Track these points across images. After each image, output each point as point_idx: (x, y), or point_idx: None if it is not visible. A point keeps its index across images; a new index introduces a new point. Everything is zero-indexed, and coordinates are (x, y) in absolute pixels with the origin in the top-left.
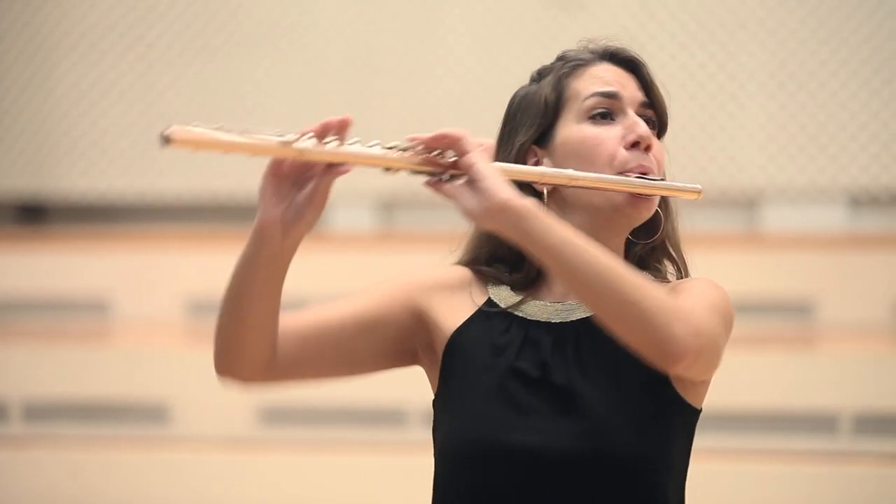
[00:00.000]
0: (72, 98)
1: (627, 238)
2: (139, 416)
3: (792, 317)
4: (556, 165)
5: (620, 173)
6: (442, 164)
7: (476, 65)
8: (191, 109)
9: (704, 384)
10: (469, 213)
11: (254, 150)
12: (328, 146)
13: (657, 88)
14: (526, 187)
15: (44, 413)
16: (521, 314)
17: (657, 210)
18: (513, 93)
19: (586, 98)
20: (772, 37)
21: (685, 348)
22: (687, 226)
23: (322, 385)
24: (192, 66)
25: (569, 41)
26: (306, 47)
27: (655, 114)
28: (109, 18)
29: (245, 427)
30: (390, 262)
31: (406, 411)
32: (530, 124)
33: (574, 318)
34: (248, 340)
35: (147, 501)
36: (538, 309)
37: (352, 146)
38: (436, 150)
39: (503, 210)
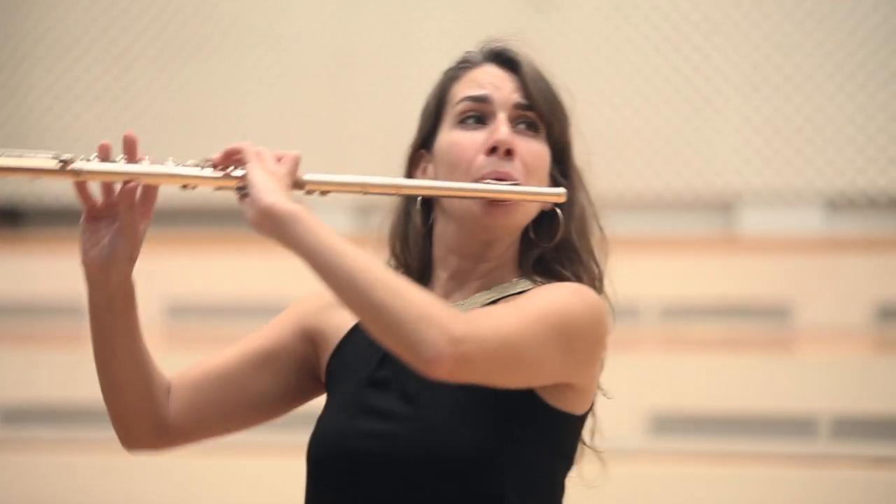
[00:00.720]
0: (47, 101)
1: (532, 239)
2: None
3: (769, 320)
4: (436, 171)
5: (477, 181)
6: (234, 177)
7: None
8: (167, 112)
9: (573, 389)
10: (249, 223)
11: (28, 173)
12: (115, 164)
13: (539, 88)
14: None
15: (22, 416)
16: None
17: (556, 211)
18: None
19: (457, 102)
20: (747, 40)
21: (437, 353)
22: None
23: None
24: (169, 69)
25: (544, 43)
26: (283, 50)
27: (537, 115)
28: (85, 21)
29: None
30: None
31: None
32: (418, 129)
33: None
34: (126, 403)
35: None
36: None
37: (141, 164)
38: (228, 165)
39: (267, 216)
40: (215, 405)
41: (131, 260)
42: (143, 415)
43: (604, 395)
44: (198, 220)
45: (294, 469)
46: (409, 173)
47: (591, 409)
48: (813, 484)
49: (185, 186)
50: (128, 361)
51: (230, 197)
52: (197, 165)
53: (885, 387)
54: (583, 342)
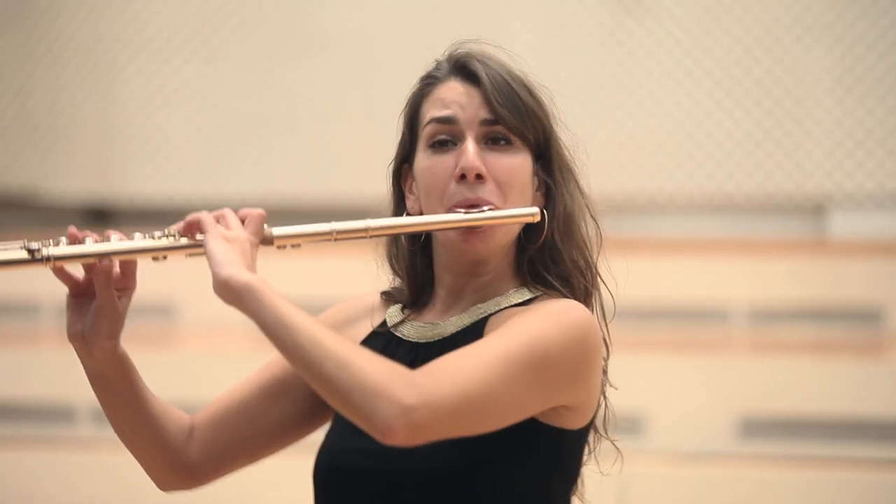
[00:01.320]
0: (137, 102)
1: (525, 244)
2: None
3: (859, 324)
4: (417, 191)
5: (450, 209)
6: (200, 243)
7: (540, 70)
8: (256, 113)
9: (566, 408)
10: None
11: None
12: (83, 246)
13: (505, 98)
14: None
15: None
16: (398, 334)
17: (542, 214)
18: (576, 96)
19: (426, 125)
20: (838, 41)
21: (388, 425)
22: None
23: None
24: (257, 70)
25: (634, 46)
26: (370, 52)
27: (506, 128)
28: (174, 22)
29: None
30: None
31: None
32: (399, 145)
33: (436, 338)
34: (145, 455)
35: (217, 501)
36: (413, 329)
37: (108, 242)
38: (192, 233)
39: (224, 288)
40: (236, 440)
41: (111, 336)
42: (164, 462)
43: (611, 386)
44: (286, 219)
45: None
46: (398, 188)
47: (592, 421)
48: None
49: (155, 258)
50: (135, 421)
51: (317, 196)
52: (164, 236)
53: None
54: (564, 367)
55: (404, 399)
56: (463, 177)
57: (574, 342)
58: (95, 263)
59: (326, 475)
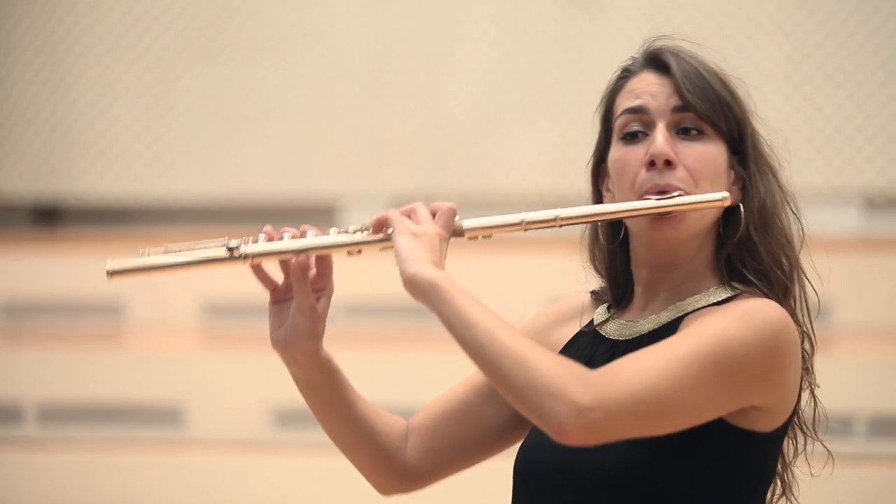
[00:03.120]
0: (88, 100)
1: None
2: (152, 418)
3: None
4: (612, 185)
5: (640, 196)
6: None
7: (493, 67)
8: (207, 112)
9: (757, 409)
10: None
11: (198, 265)
12: (280, 243)
13: (696, 86)
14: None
15: (58, 415)
16: (602, 332)
17: (739, 207)
18: (529, 94)
19: (618, 116)
20: (788, 39)
21: (562, 425)
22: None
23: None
24: (209, 69)
25: (586, 43)
26: (323, 50)
27: (696, 116)
28: (125, 21)
29: (259, 429)
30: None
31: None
32: (596, 143)
33: (634, 336)
34: (358, 459)
35: None
36: (615, 327)
37: (304, 238)
38: (383, 229)
39: (410, 285)
40: (453, 443)
41: (312, 337)
42: (379, 466)
43: (815, 385)
44: (235, 219)
45: (319, 470)
46: (596, 187)
47: (787, 423)
48: (847, 482)
49: (350, 253)
50: (345, 427)
51: (268, 197)
52: (358, 230)
53: None
54: (750, 368)
55: (579, 399)
56: (652, 164)
57: (762, 342)
58: (292, 262)
59: (519, 468)
